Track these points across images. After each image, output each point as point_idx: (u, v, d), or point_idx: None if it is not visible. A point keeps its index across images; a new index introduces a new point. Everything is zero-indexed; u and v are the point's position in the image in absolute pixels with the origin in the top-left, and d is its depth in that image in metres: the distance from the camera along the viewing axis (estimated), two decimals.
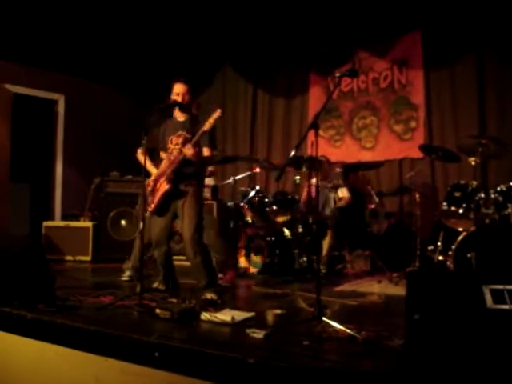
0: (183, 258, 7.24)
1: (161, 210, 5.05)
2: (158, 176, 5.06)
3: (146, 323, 3.88)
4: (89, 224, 8.35)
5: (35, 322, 3.87)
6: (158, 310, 3.99)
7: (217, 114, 4.67)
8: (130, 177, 8.57)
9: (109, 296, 4.75)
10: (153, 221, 5.18)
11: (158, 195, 4.99)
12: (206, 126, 4.69)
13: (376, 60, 8.37)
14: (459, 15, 7.33)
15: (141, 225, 4.90)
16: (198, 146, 4.83)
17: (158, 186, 5.02)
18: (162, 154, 5.26)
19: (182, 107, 5.07)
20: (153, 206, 5.04)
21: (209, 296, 4.74)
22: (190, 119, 5.09)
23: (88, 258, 8.17)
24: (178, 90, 5.03)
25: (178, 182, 4.96)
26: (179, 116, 5.15)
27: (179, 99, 5.01)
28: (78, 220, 8.55)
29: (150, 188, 5.06)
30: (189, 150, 4.74)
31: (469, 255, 5.38)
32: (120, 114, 9.74)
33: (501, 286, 2.98)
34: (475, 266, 5.21)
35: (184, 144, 4.90)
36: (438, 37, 7.59)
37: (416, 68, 7.92)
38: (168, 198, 5.00)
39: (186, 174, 4.95)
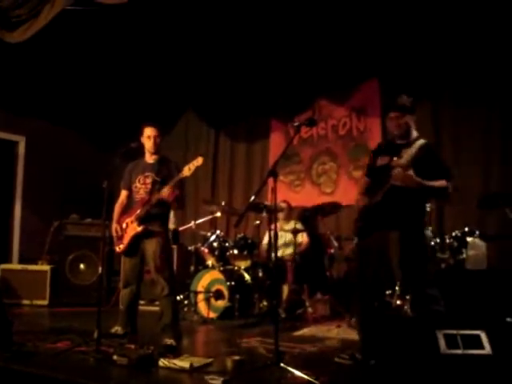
0: (142, 302, 7.24)
1: (130, 250, 5.13)
2: (125, 217, 5.14)
3: (103, 370, 3.85)
4: (47, 267, 8.23)
5: None
6: (115, 357, 3.96)
7: (198, 162, 4.78)
8: (89, 220, 8.51)
9: (66, 341, 4.70)
10: (123, 260, 5.24)
11: (127, 237, 5.05)
12: (186, 173, 4.81)
13: (335, 108, 8.55)
14: (414, 65, 7.54)
15: (100, 269, 4.89)
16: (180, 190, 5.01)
17: (125, 226, 5.08)
18: (124, 192, 5.32)
19: (150, 151, 5.21)
20: (122, 246, 5.10)
21: (168, 342, 4.72)
22: (158, 161, 5.21)
23: (45, 303, 8.02)
24: (150, 133, 5.17)
25: (145, 222, 5.02)
26: (149, 158, 5.27)
27: (151, 142, 5.15)
28: (35, 263, 8.41)
29: (118, 233, 5.12)
30: (165, 194, 4.87)
31: None
32: (81, 158, 9.70)
33: (454, 331, 3.04)
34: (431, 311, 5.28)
35: (153, 185, 5.06)
36: (394, 85, 7.78)
37: (374, 115, 8.09)
38: (137, 239, 5.06)
39: (152, 214, 5.02)
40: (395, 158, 4.19)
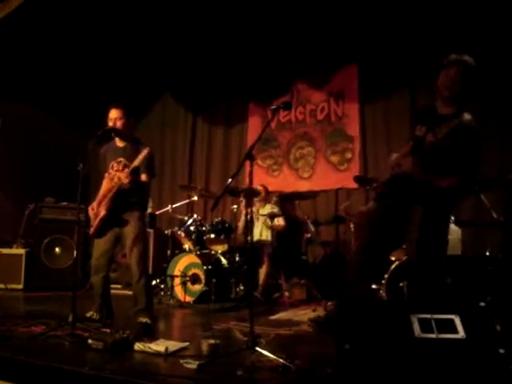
0: (119, 286, 7.22)
1: (100, 233, 5.03)
2: (100, 199, 5.04)
3: (78, 354, 3.82)
4: (22, 251, 8.16)
5: None
6: (90, 341, 3.93)
7: (144, 152, 4.70)
8: (65, 203, 8.44)
9: (41, 325, 4.66)
10: (94, 246, 5.15)
11: (97, 220, 4.97)
12: (136, 163, 4.72)
13: (313, 92, 8.56)
14: (393, 51, 7.60)
15: (74, 253, 4.85)
16: (135, 175, 4.83)
17: (99, 210, 4.99)
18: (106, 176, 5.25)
19: (118, 134, 5.07)
20: (92, 229, 5.01)
21: (143, 320, 4.72)
22: (129, 146, 5.08)
23: (20, 286, 7.97)
24: (111, 115, 5.05)
25: (118, 210, 4.94)
26: (119, 142, 5.15)
27: (112, 124, 5.02)
28: (10, 247, 8.33)
29: (94, 211, 5.03)
30: (126, 179, 4.76)
31: (401, 284, 5.51)
32: (57, 140, 9.61)
33: (428, 316, 3.07)
34: (407, 295, 5.33)
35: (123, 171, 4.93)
36: (373, 71, 7.84)
37: (352, 101, 8.13)
38: (107, 224, 4.97)
39: (128, 202, 4.95)
40: (432, 132, 3.75)
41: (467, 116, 3.74)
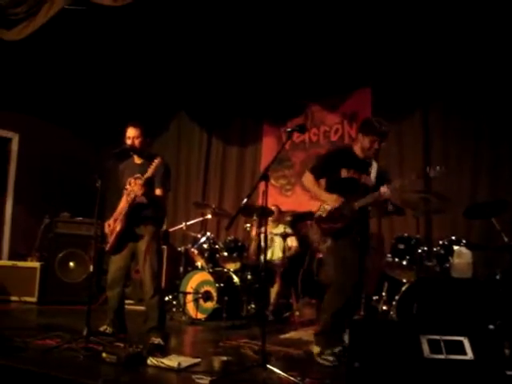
0: (131, 301, 7.28)
1: (116, 249, 5.11)
2: (116, 216, 5.12)
3: (92, 367, 3.88)
4: (36, 264, 8.23)
5: None
6: (104, 354, 4.00)
7: (156, 162, 4.85)
8: (80, 218, 8.53)
9: (55, 338, 4.73)
10: (110, 261, 5.22)
11: (113, 235, 5.05)
12: (149, 173, 4.85)
13: (327, 113, 8.62)
14: (406, 74, 7.64)
15: (91, 267, 4.92)
16: (148, 187, 4.92)
17: (115, 225, 5.07)
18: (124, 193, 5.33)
19: (136, 152, 5.16)
20: (108, 245, 5.08)
21: (156, 341, 4.77)
22: (147, 163, 5.10)
23: (34, 299, 8.02)
24: (129, 134, 5.14)
25: (133, 224, 5.03)
26: (137, 159, 5.24)
27: (130, 142, 5.11)
28: (25, 260, 8.42)
29: (110, 228, 5.10)
30: (139, 191, 4.84)
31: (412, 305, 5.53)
32: (74, 156, 9.71)
33: (437, 337, 3.11)
34: (416, 316, 5.35)
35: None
36: (386, 94, 7.87)
37: None
38: (123, 239, 5.06)
39: (143, 216, 5.03)
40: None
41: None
